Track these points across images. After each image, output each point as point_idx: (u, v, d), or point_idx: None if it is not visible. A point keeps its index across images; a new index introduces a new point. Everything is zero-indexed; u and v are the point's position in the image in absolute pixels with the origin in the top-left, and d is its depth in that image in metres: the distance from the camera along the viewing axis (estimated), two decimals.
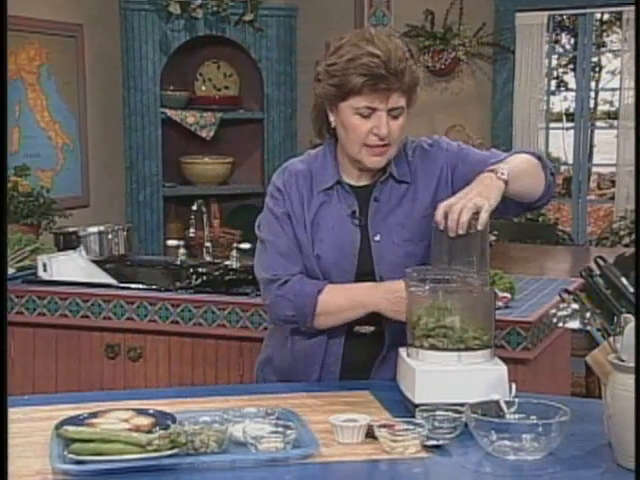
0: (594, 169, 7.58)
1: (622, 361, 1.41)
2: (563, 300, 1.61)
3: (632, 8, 4.86)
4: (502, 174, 1.68)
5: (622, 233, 4.77)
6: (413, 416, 1.56)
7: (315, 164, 1.86)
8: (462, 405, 1.52)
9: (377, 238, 1.81)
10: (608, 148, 6.46)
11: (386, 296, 1.75)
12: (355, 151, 1.79)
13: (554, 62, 6.75)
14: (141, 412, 1.55)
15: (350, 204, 1.84)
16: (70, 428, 1.45)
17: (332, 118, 1.82)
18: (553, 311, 1.63)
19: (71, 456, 1.40)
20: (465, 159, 1.85)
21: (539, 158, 1.84)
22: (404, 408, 1.66)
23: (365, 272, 1.81)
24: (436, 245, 1.70)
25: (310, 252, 1.81)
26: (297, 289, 1.79)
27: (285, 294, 1.79)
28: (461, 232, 1.61)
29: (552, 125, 5.57)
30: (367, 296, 1.77)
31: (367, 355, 1.85)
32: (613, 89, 6.95)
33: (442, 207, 1.65)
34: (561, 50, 8.31)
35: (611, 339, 1.48)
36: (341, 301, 1.78)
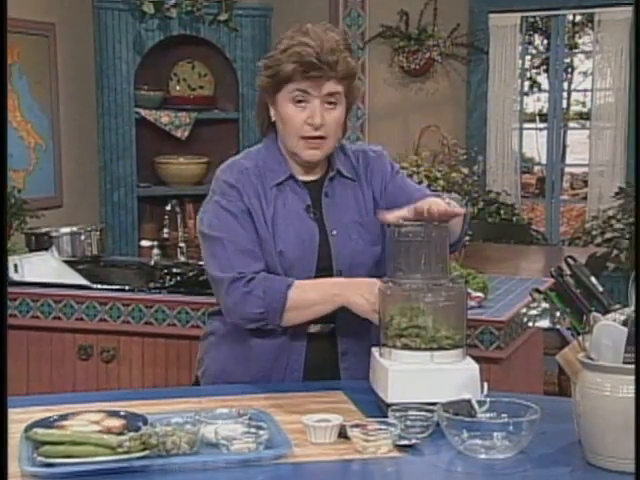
0: (567, 169, 7.65)
1: (591, 360, 1.43)
2: (534, 299, 1.62)
3: (604, 10, 4.91)
4: (448, 204, 1.74)
5: (594, 233, 4.82)
6: (386, 416, 1.56)
7: (261, 160, 1.85)
8: (434, 404, 1.53)
9: (335, 232, 1.82)
10: (581, 148, 6.53)
11: (361, 292, 1.74)
12: (293, 144, 1.80)
13: (527, 63, 6.80)
14: (112, 414, 1.54)
15: (304, 198, 1.84)
16: (40, 430, 1.44)
17: (272, 112, 1.83)
18: (524, 310, 1.64)
19: (41, 459, 1.39)
20: (396, 182, 1.90)
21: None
22: (377, 408, 1.67)
23: (324, 267, 1.81)
24: (394, 254, 1.69)
25: (272, 248, 1.79)
26: (266, 285, 1.76)
27: (253, 291, 1.75)
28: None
29: (525, 125, 5.62)
30: (341, 290, 1.76)
31: (326, 355, 1.84)
32: (585, 90, 7.03)
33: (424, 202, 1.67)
34: (534, 51, 8.37)
35: (580, 338, 1.49)
36: (312, 295, 1.76)
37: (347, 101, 1.82)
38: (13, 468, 1.40)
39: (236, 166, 1.86)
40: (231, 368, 1.87)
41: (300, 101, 1.77)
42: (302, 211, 1.83)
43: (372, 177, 1.89)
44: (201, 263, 3.13)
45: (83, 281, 3.00)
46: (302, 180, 1.86)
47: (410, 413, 1.55)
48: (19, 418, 1.60)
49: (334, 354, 1.85)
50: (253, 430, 1.48)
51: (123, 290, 2.84)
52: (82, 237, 3.26)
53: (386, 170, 1.91)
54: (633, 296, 1.44)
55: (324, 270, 1.80)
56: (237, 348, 1.86)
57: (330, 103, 1.78)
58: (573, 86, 8.86)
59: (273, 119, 1.84)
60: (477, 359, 1.70)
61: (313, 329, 1.84)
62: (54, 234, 3.24)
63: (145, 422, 1.49)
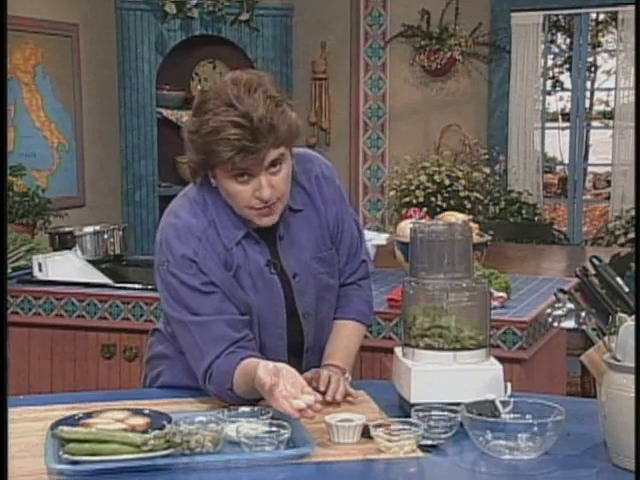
0: (590, 169, 7.60)
1: (617, 360, 1.41)
2: (558, 300, 1.61)
3: (627, 8, 4.87)
4: (347, 378, 1.77)
5: (617, 233, 4.78)
6: (409, 416, 1.56)
7: (211, 217, 1.70)
8: (458, 405, 1.52)
9: (297, 279, 1.76)
10: (603, 148, 6.47)
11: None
12: (244, 213, 1.68)
13: (550, 62, 6.75)
14: (136, 412, 1.54)
15: (263, 253, 1.74)
16: (65, 428, 1.45)
17: (211, 178, 1.68)
18: (548, 311, 1.63)
19: (66, 456, 1.40)
20: (345, 226, 1.83)
21: (368, 317, 1.91)
22: (400, 408, 1.66)
23: (292, 310, 1.77)
24: (417, 254, 1.69)
25: (242, 299, 1.72)
26: (216, 389, 1.68)
27: (213, 390, 1.69)
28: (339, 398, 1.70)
29: (548, 125, 5.59)
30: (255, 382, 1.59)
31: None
32: (608, 89, 6.97)
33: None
34: (557, 50, 8.32)
35: (606, 339, 1.48)
36: (245, 388, 1.64)
37: (291, 150, 1.68)
38: (39, 465, 1.41)
39: (189, 231, 1.68)
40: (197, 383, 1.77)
41: (242, 175, 1.62)
42: (263, 267, 1.73)
43: (326, 206, 1.79)
44: None
45: (106, 280, 3.02)
46: (257, 228, 1.72)
47: (433, 413, 1.55)
48: (44, 416, 1.62)
49: (299, 350, 1.82)
50: (275, 429, 1.49)
51: (145, 289, 2.85)
52: (105, 236, 3.27)
53: (337, 200, 1.82)
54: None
55: (293, 313, 1.77)
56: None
57: (274, 167, 1.63)
58: (596, 85, 8.79)
59: (214, 185, 1.68)
60: (500, 359, 1.69)
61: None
62: (77, 233, 3.26)
63: (169, 420, 1.50)
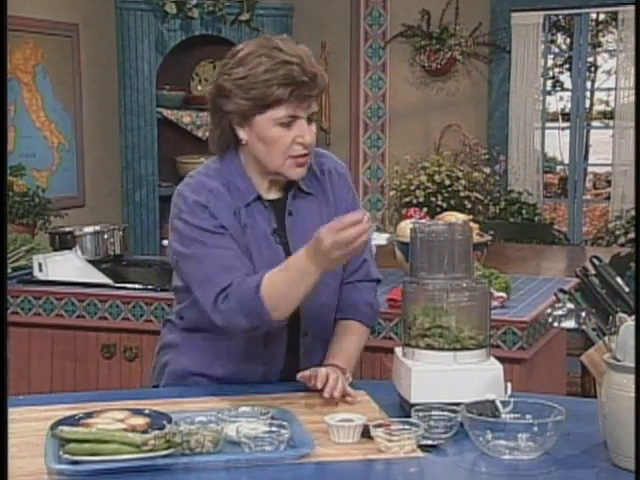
0: (590, 169, 7.60)
1: (617, 360, 1.41)
2: (558, 300, 1.61)
3: (627, 8, 4.87)
4: (347, 378, 1.77)
5: (618, 233, 4.78)
6: (409, 416, 1.56)
7: (224, 179, 1.75)
8: (458, 405, 1.52)
9: None
10: (604, 148, 6.47)
11: (317, 257, 1.61)
12: (278, 164, 1.72)
13: (550, 62, 6.75)
14: (137, 412, 1.54)
15: (270, 221, 1.77)
16: (65, 428, 1.45)
17: (242, 134, 1.72)
18: (548, 311, 1.63)
19: (66, 456, 1.40)
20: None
21: (371, 319, 1.89)
22: (400, 408, 1.66)
23: None
24: (417, 254, 1.69)
25: (247, 259, 1.73)
26: (239, 297, 1.65)
27: (231, 306, 1.65)
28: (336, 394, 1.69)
29: (548, 125, 5.59)
30: (302, 265, 1.63)
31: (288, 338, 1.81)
32: (609, 89, 6.97)
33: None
34: (557, 50, 8.32)
35: (606, 338, 1.48)
36: (283, 286, 1.65)
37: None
38: (39, 465, 1.41)
39: (202, 185, 1.74)
40: (199, 369, 1.83)
41: (287, 121, 1.69)
42: (269, 234, 1.76)
43: (336, 200, 1.83)
44: None
45: (106, 280, 3.02)
46: (266, 199, 1.78)
47: (433, 413, 1.55)
48: (44, 416, 1.62)
49: (295, 335, 1.82)
50: (275, 429, 1.49)
51: (145, 289, 2.85)
52: (105, 236, 3.27)
53: (349, 199, 1.86)
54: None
55: None
56: (205, 346, 1.82)
57: (310, 119, 1.72)
58: (596, 85, 8.79)
59: (243, 142, 1.74)
60: (500, 359, 1.69)
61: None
62: (77, 233, 3.26)
63: (169, 420, 1.50)
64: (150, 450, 1.39)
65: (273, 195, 1.80)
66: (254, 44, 1.71)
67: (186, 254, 1.73)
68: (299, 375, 1.73)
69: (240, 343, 1.78)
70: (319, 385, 1.70)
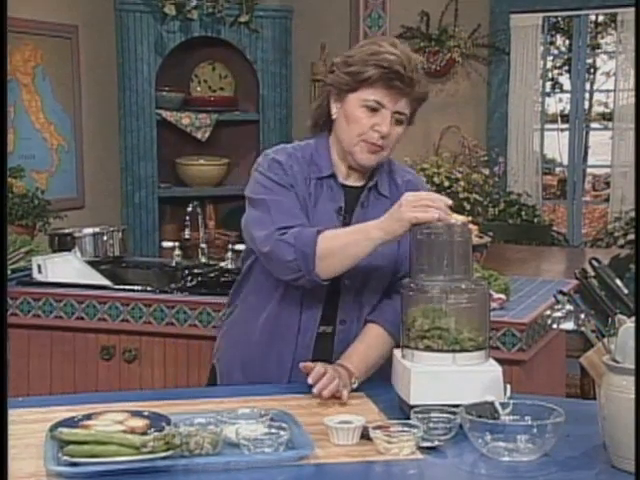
0: (589, 170, 7.60)
1: (617, 362, 1.41)
2: (558, 301, 1.61)
3: (627, 10, 4.87)
4: (353, 382, 1.78)
5: (617, 234, 4.78)
6: (408, 417, 1.56)
7: (308, 153, 1.87)
8: (457, 406, 1.52)
9: None
10: (603, 149, 6.48)
11: (384, 221, 1.70)
12: (352, 143, 1.81)
13: (549, 64, 6.75)
14: (136, 414, 1.54)
15: (338, 200, 1.85)
16: (64, 430, 1.45)
17: (335, 109, 1.83)
18: (548, 312, 1.63)
19: (65, 458, 1.40)
20: (409, 234, 1.79)
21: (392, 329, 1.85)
22: (399, 409, 1.66)
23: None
24: (417, 255, 1.69)
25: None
26: (298, 232, 1.74)
27: (285, 239, 1.74)
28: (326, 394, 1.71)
29: (547, 126, 5.59)
30: (366, 228, 1.73)
31: (331, 355, 1.85)
32: (608, 91, 6.98)
33: None
34: (556, 52, 8.32)
35: (605, 340, 1.48)
36: (342, 238, 1.73)
37: (408, 122, 1.85)
38: (38, 467, 1.41)
39: (284, 150, 1.88)
40: (233, 353, 1.92)
41: (373, 109, 1.78)
42: (333, 212, 1.84)
43: None
44: (222, 264, 3.16)
45: (105, 282, 3.02)
46: (341, 183, 1.86)
47: (433, 415, 1.55)
48: (43, 417, 1.62)
49: (330, 354, 1.85)
50: (274, 431, 1.49)
51: (145, 291, 2.85)
52: (104, 238, 3.28)
53: None
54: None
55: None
56: (246, 330, 1.89)
57: (398, 118, 1.80)
58: (595, 87, 8.80)
59: (334, 116, 1.84)
60: (499, 361, 1.69)
61: (325, 330, 1.86)
62: (77, 235, 3.26)
63: (168, 422, 1.50)
64: (149, 452, 1.39)
65: (350, 182, 1.87)
66: (378, 36, 1.82)
67: (255, 200, 1.83)
68: (302, 365, 1.75)
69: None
70: (310, 381, 1.71)
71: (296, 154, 1.86)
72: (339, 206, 1.84)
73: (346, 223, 1.83)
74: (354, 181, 1.88)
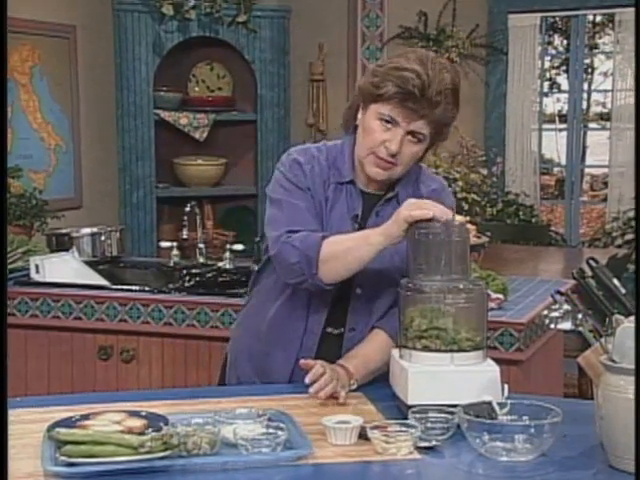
0: (587, 170, 7.60)
1: (614, 362, 1.42)
2: (555, 301, 1.61)
3: (624, 10, 4.88)
4: (352, 384, 1.78)
5: (615, 234, 4.79)
6: (406, 417, 1.56)
7: (331, 156, 1.86)
8: (455, 406, 1.52)
9: None
10: (601, 149, 6.48)
11: (386, 227, 1.71)
12: (363, 154, 1.80)
13: (547, 64, 6.77)
14: (133, 414, 1.54)
15: (355, 207, 1.84)
16: (62, 430, 1.45)
17: (360, 115, 1.83)
18: (545, 312, 1.63)
19: (63, 458, 1.40)
20: None
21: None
22: (397, 409, 1.66)
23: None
24: (415, 255, 1.69)
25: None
26: (303, 236, 1.76)
27: (292, 241, 1.76)
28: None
29: (545, 126, 5.59)
30: (369, 233, 1.74)
31: (330, 356, 1.84)
32: (605, 90, 6.98)
33: None
34: (554, 52, 8.32)
35: (603, 340, 1.48)
36: (346, 242, 1.74)
37: (432, 141, 1.81)
38: (35, 467, 1.41)
39: (308, 151, 1.88)
40: (244, 342, 1.94)
41: (387, 122, 1.75)
42: (348, 218, 1.83)
43: None
44: (220, 264, 3.16)
45: (103, 282, 3.02)
46: (361, 189, 1.85)
47: (430, 415, 1.55)
48: (41, 417, 1.62)
49: (337, 356, 1.85)
50: (272, 431, 1.48)
51: (143, 291, 2.85)
52: (102, 238, 3.28)
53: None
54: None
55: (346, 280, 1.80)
56: (256, 326, 1.91)
57: (414, 137, 1.76)
58: (593, 87, 8.80)
59: (357, 122, 1.83)
60: (497, 361, 1.69)
61: (332, 331, 1.86)
62: (74, 235, 3.26)
63: (166, 422, 1.49)
64: (147, 452, 1.39)
65: (370, 190, 1.86)
66: (418, 51, 1.81)
67: (273, 198, 1.86)
68: (302, 361, 1.76)
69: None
70: (307, 380, 1.71)
71: (319, 156, 1.85)
72: (355, 214, 1.83)
73: (360, 230, 1.81)
74: (374, 189, 1.86)
